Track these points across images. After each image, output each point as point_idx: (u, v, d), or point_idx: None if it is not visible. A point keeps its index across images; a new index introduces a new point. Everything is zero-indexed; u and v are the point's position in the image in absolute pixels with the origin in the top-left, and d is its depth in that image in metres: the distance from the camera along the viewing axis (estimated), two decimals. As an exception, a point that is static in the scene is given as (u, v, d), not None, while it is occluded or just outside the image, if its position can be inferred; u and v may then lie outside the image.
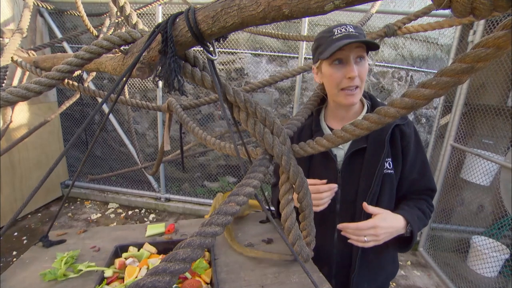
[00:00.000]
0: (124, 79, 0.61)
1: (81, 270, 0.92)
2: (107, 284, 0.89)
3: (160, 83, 0.58)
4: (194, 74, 0.61)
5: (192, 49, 0.60)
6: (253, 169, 0.58)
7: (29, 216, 3.22)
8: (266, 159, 0.62)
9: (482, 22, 2.17)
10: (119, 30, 0.74)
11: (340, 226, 0.87)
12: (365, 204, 0.86)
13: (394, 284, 2.46)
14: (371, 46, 0.84)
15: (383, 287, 1.08)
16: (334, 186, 0.87)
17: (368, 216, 0.88)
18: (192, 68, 0.62)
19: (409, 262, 2.75)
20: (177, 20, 0.53)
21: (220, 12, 0.46)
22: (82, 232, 1.24)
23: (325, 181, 0.88)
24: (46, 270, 0.91)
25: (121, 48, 0.64)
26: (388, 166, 0.91)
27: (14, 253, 2.59)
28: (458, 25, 1.85)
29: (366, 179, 0.91)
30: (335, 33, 0.83)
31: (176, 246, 0.43)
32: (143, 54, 0.59)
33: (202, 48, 0.54)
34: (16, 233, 2.89)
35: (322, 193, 0.86)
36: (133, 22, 0.69)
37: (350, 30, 0.82)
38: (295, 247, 0.67)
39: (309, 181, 0.88)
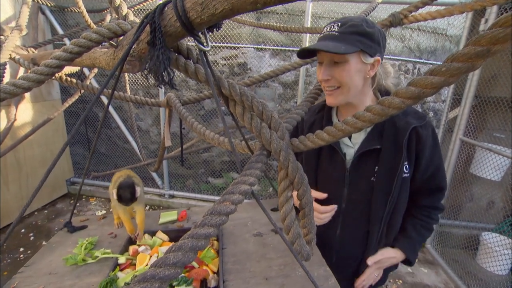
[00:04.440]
0: (116, 73, 0.58)
1: (98, 256, 1.01)
2: (120, 270, 0.96)
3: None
4: (187, 67, 0.58)
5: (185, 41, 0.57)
6: (250, 166, 0.55)
7: (36, 213, 3.26)
8: (263, 155, 0.58)
9: (494, 10, 2.08)
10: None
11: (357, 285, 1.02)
12: (368, 261, 0.96)
13: (400, 281, 2.42)
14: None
15: (384, 279, 1.11)
16: (334, 207, 0.94)
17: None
18: (185, 60, 0.58)
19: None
20: (166, 9, 0.50)
21: (209, -2, 0.42)
22: (101, 218, 1.34)
23: (325, 195, 0.94)
24: (68, 255, 1.01)
25: (110, 41, 0.61)
26: (405, 170, 0.90)
27: (21, 249, 2.63)
28: (470, 12, 1.77)
29: (385, 184, 0.90)
30: (323, 31, 0.83)
31: (167, 250, 0.41)
32: (133, 47, 0.56)
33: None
34: (23, 230, 2.93)
35: (322, 213, 0.92)
36: (123, 14, 0.66)
37: (333, 30, 0.79)
38: (295, 246, 0.64)
39: (312, 193, 0.93)
